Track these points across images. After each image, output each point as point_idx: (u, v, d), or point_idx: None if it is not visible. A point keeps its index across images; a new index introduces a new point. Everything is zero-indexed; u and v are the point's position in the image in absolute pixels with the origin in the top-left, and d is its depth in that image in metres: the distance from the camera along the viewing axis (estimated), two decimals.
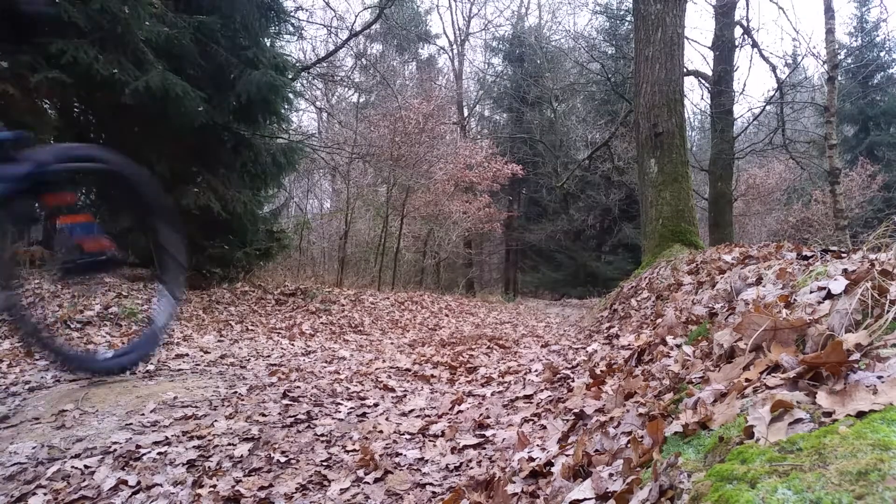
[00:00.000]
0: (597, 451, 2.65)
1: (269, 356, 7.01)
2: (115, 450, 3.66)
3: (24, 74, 9.09)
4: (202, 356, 6.60)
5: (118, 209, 4.35)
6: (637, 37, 13.50)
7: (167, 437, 3.86)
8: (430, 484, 3.22)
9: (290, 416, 4.29)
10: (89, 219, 4.21)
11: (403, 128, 21.80)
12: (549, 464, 2.85)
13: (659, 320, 5.42)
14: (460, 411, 4.40)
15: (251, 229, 13.13)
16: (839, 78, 26.94)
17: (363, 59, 32.17)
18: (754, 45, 23.01)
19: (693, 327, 4.22)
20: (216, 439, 3.82)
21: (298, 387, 5.16)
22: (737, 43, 23.92)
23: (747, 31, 23.03)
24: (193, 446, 3.72)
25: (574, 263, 35.17)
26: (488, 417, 4.15)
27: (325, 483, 3.29)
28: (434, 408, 4.56)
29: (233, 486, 3.22)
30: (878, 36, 40.78)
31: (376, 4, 24.00)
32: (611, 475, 2.25)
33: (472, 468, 3.32)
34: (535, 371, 5.54)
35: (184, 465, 3.49)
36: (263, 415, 4.31)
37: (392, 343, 8.88)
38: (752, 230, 37.28)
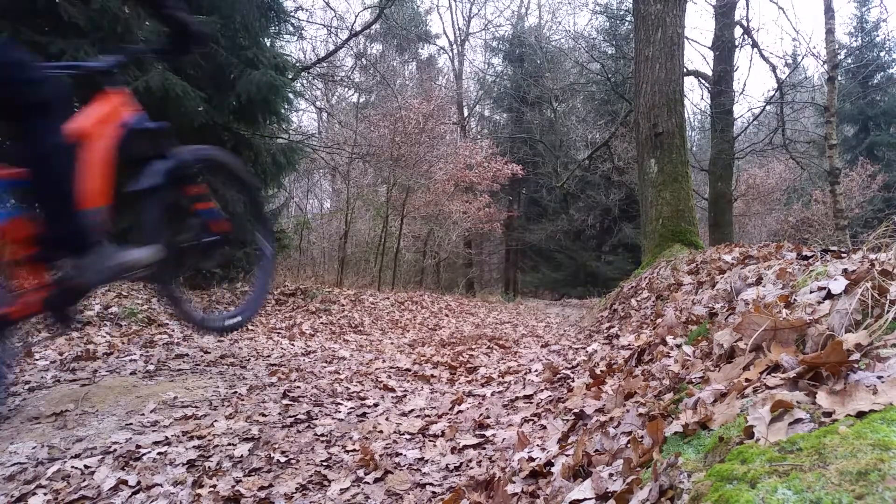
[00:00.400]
0: (597, 451, 2.65)
1: (269, 356, 7.01)
2: (115, 450, 3.66)
3: None
4: (202, 356, 6.60)
5: (228, 191, 5.78)
6: (637, 37, 13.49)
7: (167, 437, 3.86)
8: (430, 484, 3.22)
9: (290, 416, 4.29)
10: (214, 206, 4.90)
11: (403, 128, 21.81)
12: (549, 464, 2.85)
13: (659, 320, 5.42)
14: (460, 411, 4.40)
15: (251, 229, 13.15)
16: (839, 78, 26.92)
17: (363, 59, 32.18)
18: (754, 45, 23.04)
19: (693, 327, 4.22)
20: (216, 439, 3.82)
21: (298, 387, 5.16)
22: (737, 43, 23.91)
23: (747, 31, 23.04)
24: (193, 446, 3.72)
25: (574, 263, 35.18)
26: (488, 417, 4.15)
27: (325, 483, 3.29)
28: (434, 408, 4.56)
29: (233, 486, 3.22)
30: (878, 36, 40.79)
31: (376, 4, 23.99)
32: (611, 475, 2.25)
33: (472, 468, 3.32)
34: (535, 371, 5.54)
35: (184, 465, 3.49)
36: (263, 415, 4.31)
37: (392, 343, 8.88)
38: (752, 230, 37.27)
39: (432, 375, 5.85)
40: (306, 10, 33.49)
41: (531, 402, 4.43)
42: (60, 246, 3.28)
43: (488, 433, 3.80)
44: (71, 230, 3.27)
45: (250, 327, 9.38)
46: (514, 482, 2.79)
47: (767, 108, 25.36)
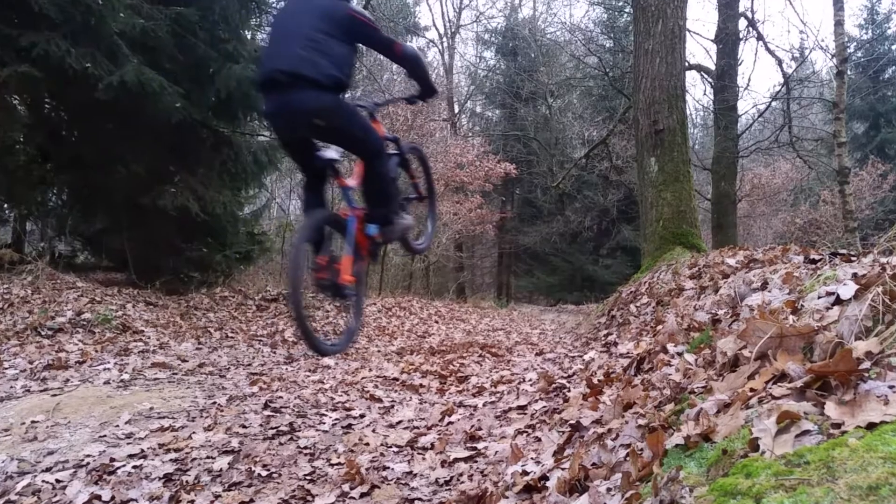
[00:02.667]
0: (594, 464, 2.65)
1: (249, 365, 7.01)
2: (89, 463, 3.65)
3: None
4: (180, 365, 6.61)
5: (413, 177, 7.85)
6: (636, 29, 13.49)
7: (143, 450, 3.85)
8: (419, 499, 3.23)
9: (272, 428, 4.29)
10: (417, 180, 7.49)
11: (391, 125, 21.73)
12: (545, 478, 2.85)
13: (659, 327, 5.43)
14: (451, 423, 4.41)
15: (231, 231, 13.14)
16: (849, 72, 26.81)
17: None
18: (759, 37, 23.00)
19: (695, 334, 4.24)
20: (194, 452, 3.82)
21: (280, 397, 5.17)
22: (741, 36, 23.87)
23: (752, 24, 23.02)
24: (170, 459, 3.72)
25: (570, 267, 35.15)
26: (480, 429, 4.15)
27: (309, 498, 3.29)
28: (423, 419, 4.57)
29: (212, 502, 3.21)
30: (889, 28, 40.63)
31: None
32: (609, 490, 2.26)
33: (463, 482, 3.32)
34: (530, 380, 5.55)
35: (160, 479, 3.48)
36: (244, 426, 4.31)
37: (379, 351, 8.88)
38: (757, 232, 37.25)
39: (421, 385, 5.85)
40: None
41: (525, 413, 4.44)
42: (380, 221, 6.07)
43: (480, 446, 3.81)
44: (386, 212, 6.03)
45: (229, 334, 9.38)
46: (508, 497, 2.79)
47: (773, 104, 25.35)
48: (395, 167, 6.48)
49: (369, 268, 21.11)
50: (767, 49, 22.77)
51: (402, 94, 7.33)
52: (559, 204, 36.00)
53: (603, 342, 7.62)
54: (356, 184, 6.10)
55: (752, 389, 2.26)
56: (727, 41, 23.73)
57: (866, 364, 2.01)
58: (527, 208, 38.45)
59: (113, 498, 3.26)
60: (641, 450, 2.34)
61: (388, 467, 3.58)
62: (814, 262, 4.08)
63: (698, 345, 3.71)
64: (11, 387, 5.29)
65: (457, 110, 39.62)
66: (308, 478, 3.53)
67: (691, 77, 27.70)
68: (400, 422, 4.51)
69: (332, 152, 5.91)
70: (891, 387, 1.79)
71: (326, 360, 7.37)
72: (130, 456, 3.77)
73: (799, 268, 3.92)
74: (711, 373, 2.95)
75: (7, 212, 12.74)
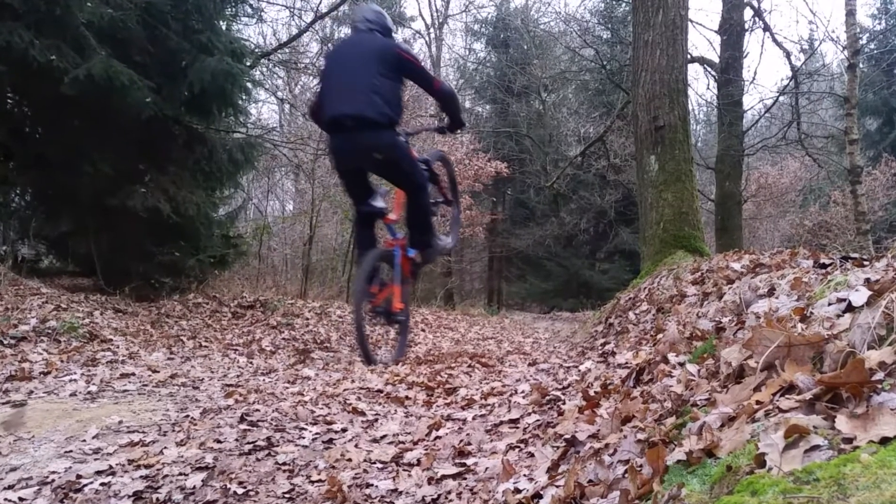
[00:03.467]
0: (590, 481, 2.65)
1: (224, 376, 7.00)
2: (54, 480, 3.64)
3: None
4: (150, 376, 6.59)
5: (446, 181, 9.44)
6: (635, 19, 13.44)
7: (111, 466, 3.84)
8: None
9: (249, 443, 4.27)
10: (444, 188, 8.93)
11: None
12: (538, 496, 2.85)
13: (660, 336, 5.44)
14: (438, 437, 4.40)
15: (205, 234, 13.13)
16: (861, 65, 26.93)
17: (330, 45, 32.06)
18: (766, 28, 22.96)
19: (698, 343, 4.24)
20: (166, 468, 3.81)
21: (258, 410, 5.15)
22: (746, 26, 23.86)
23: (758, 14, 23.00)
24: (140, 476, 3.71)
25: (565, 272, 35.18)
26: (469, 444, 4.14)
27: None
28: (409, 433, 4.56)
29: None
30: None
31: None
32: None
33: (451, 500, 3.32)
34: (522, 392, 5.54)
35: (129, 497, 3.47)
36: (218, 441, 4.29)
37: (362, 361, 8.89)
38: (764, 235, 37.32)
39: (407, 397, 5.84)
40: None
41: (517, 427, 4.43)
42: (420, 246, 7.88)
43: (469, 461, 3.80)
44: (427, 238, 7.77)
45: (203, 343, 9.37)
46: None
47: (781, 99, 25.37)
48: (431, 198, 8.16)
49: (352, 275, 21.13)
50: (775, 40, 22.82)
51: (433, 126, 9.03)
52: (553, 205, 36.05)
53: (600, 352, 7.62)
54: (397, 214, 7.95)
55: (758, 402, 2.25)
56: (732, 32, 23.76)
57: (879, 375, 2.01)
58: (519, 210, 38.54)
59: None
60: (641, 466, 2.34)
61: (372, 484, 3.57)
62: (824, 266, 4.08)
63: (701, 354, 3.71)
64: None
65: None
66: (287, 496, 3.52)
67: (694, 70, 27.70)
68: (384, 436, 4.50)
69: (380, 202, 7.71)
70: None
71: (307, 372, 7.37)
72: (98, 472, 3.76)
73: (808, 273, 3.92)
74: (715, 384, 2.95)
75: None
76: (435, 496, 3.42)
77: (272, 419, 4.87)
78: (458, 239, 10.02)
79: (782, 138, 25.10)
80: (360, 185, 7.69)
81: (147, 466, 3.84)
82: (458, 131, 8.20)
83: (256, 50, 18.70)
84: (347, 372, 7.52)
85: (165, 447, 4.15)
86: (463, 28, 45.15)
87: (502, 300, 36.88)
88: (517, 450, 3.89)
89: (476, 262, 41.49)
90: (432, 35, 41.10)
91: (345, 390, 6.14)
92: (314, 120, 8.34)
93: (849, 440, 1.73)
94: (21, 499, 3.45)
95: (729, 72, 23.91)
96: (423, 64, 7.60)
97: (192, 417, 4.88)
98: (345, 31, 37.26)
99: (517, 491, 2.97)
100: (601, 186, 33.75)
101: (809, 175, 32.50)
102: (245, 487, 3.60)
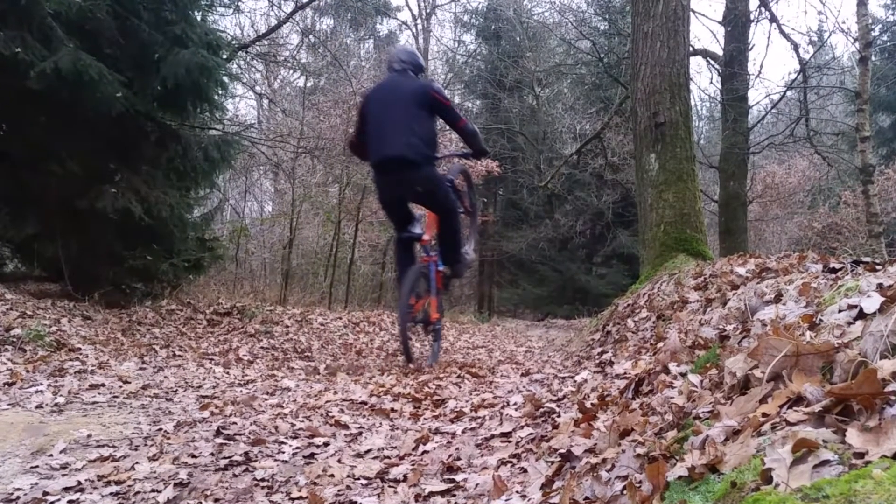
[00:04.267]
0: (587, 498, 2.66)
1: (199, 387, 7.00)
2: (19, 497, 3.64)
3: None
4: (121, 387, 6.59)
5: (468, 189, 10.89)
6: (634, 9, 13.40)
7: (80, 483, 3.84)
8: None
9: (225, 458, 4.28)
10: (465, 201, 10.25)
11: (352, 116, 21.68)
12: None
13: (660, 344, 5.45)
14: (426, 452, 4.40)
15: (179, 237, 13.10)
16: (873, 58, 26.91)
17: (311, 37, 31.96)
18: (773, 19, 22.88)
19: (700, 352, 4.24)
20: (137, 484, 3.81)
21: (235, 423, 5.16)
22: (752, 17, 23.81)
23: (764, 3, 22.90)
24: (111, 493, 3.71)
25: (560, 277, 35.13)
26: (459, 459, 4.15)
27: None
28: (395, 447, 4.56)
29: None
30: None
31: None
32: None
33: None
34: (514, 404, 5.55)
35: None
36: (193, 456, 4.30)
37: (345, 371, 8.89)
38: (770, 238, 37.34)
39: (392, 409, 5.85)
40: None
41: (509, 441, 4.44)
42: (451, 262, 9.28)
43: (459, 477, 3.81)
44: (457, 254, 9.12)
45: (177, 352, 9.37)
46: None
47: (788, 93, 25.40)
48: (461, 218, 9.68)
49: (334, 280, 21.30)
50: (782, 32, 22.76)
51: (458, 152, 10.57)
52: (548, 206, 36.02)
53: (597, 361, 7.63)
54: (430, 234, 9.32)
55: (764, 414, 2.25)
56: (736, 23, 23.67)
57: (893, 386, 1.99)
58: (511, 211, 38.45)
59: None
60: (640, 482, 2.35)
61: (356, 502, 3.58)
62: (834, 271, 4.08)
63: (704, 364, 3.71)
64: None
65: None
66: None
67: (696, 63, 27.80)
68: (369, 450, 4.50)
69: (418, 228, 9.21)
70: None
71: (287, 383, 7.36)
72: (66, 489, 3.76)
73: (817, 278, 3.93)
74: (719, 396, 2.95)
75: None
76: None
77: (250, 432, 4.88)
78: (476, 248, 10.91)
79: (790, 135, 25.09)
80: (402, 214, 9.16)
81: (118, 483, 3.84)
82: (481, 159, 10.21)
83: (233, 42, 18.64)
84: (330, 383, 7.53)
85: (137, 462, 4.15)
86: (452, 19, 45.06)
87: (493, 307, 36.82)
88: (509, 465, 3.90)
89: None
90: (419, 26, 41.14)
91: (327, 402, 6.15)
92: (353, 153, 10.20)
93: (860, 455, 1.72)
94: None
95: (733, 65, 23.86)
96: (451, 102, 9.09)
97: (165, 431, 4.88)
98: (326, 21, 37.31)
99: None
100: (598, 186, 33.66)
101: (819, 174, 32.50)
102: None
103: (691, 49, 17.64)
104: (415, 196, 8.99)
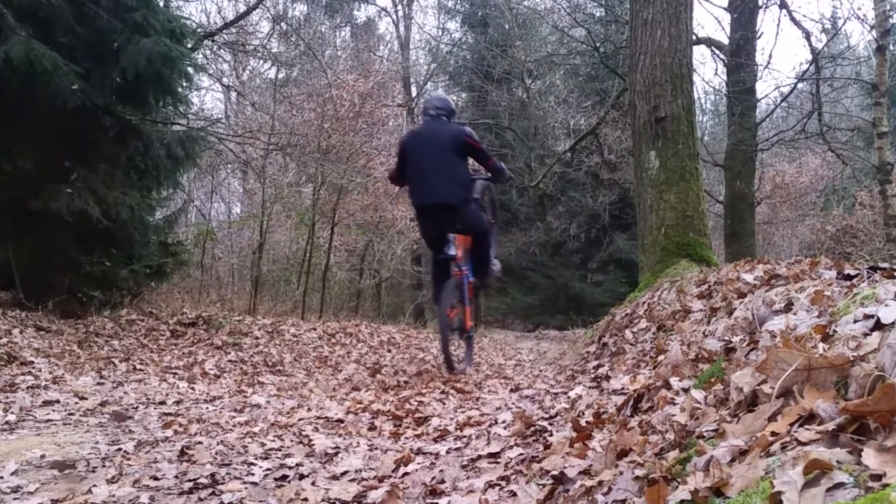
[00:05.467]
0: None
1: (162, 403, 7.00)
2: None
3: None
4: (77, 403, 6.58)
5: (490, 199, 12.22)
6: None
7: None
8: None
9: (190, 480, 4.28)
10: (487, 214, 11.35)
11: (334, 111, 21.66)
12: None
13: (661, 357, 5.46)
14: (407, 473, 4.41)
15: (140, 241, 13.08)
16: (891, 47, 26.91)
17: (283, 24, 31.82)
18: (783, 5, 22.77)
19: (704, 366, 4.25)
20: None
21: (200, 442, 5.16)
22: (760, 3, 23.71)
23: None
24: None
25: (552, 285, 35.05)
26: (443, 481, 4.15)
27: None
28: (373, 469, 4.57)
29: None
30: None
31: None
32: None
33: None
34: (503, 422, 5.55)
35: None
36: (155, 478, 4.30)
37: (320, 386, 8.88)
38: (780, 242, 37.35)
39: (371, 428, 5.86)
40: None
41: (497, 462, 4.44)
42: (481, 275, 10.89)
43: (442, 501, 3.81)
44: (486, 267, 10.84)
45: (137, 366, 9.36)
46: None
47: (799, 85, 25.39)
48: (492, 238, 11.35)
49: (308, 287, 21.40)
50: (792, 19, 22.72)
51: (483, 175, 11.16)
52: (539, 208, 35.90)
53: (592, 376, 7.64)
54: (461, 251, 10.51)
55: (773, 433, 2.25)
56: (744, 9, 23.54)
57: None
58: (499, 213, 38.26)
59: None
60: None
61: None
62: (849, 278, 4.09)
63: (708, 379, 3.71)
64: None
65: (414, 93, 39.27)
66: None
67: (700, 53, 27.83)
68: (345, 472, 4.50)
69: (454, 250, 10.28)
70: None
71: (257, 399, 7.36)
72: None
73: (831, 285, 3.93)
74: (724, 413, 2.94)
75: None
76: None
77: (217, 453, 4.88)
78: (495, 252, 12.05)
79: (801, 131, 24.88)
80: (440, 242, 10.40)
81: None
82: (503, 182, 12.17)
83: (199, 30, 18.64)
84: (303, 399, 7.53)
85: (94, 485, 4.15)
86: (435, 4, 44.71)
87: (480, 317, 36.59)
88: (497, 488, 3.90)
89: None
90: (400, 13, 40.80)
91: (300, 420, 6.15)
92: (393, 184, 12.22)
93: (877, 477, 1.71)
94: None
95: (740, 55, 23.72)
96: (481, 145, 10.80)
97: (125, 451, 4.88)
98: (300, 7, 37.21)
99: None
100: (594, 186, 33.63)
101: (832, 173, 32.52)
102: None
103: (694, 37, 17.65)
104: (454, 230, 10.35)
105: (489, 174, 11.03)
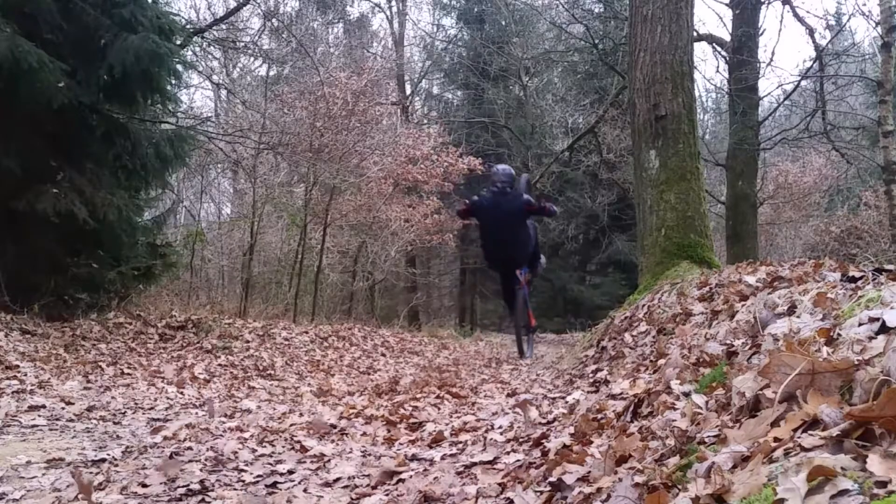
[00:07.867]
0: None
1: (151, 408, 6.99)
2: None
3: None
4: (63, 408, 6.57)
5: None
6: None
7: None
8: None
9: (180, 487, 4.27)
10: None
11: (327, 110, 21.57)
12: None
13: (661, 361, 5.46)
14: (401, 480, 4.40)
15: (127, 242, 13.06)
16: None
17: (274, 20, 31.74)
18: (785, 1, 22.79)
19: (705, 370, 4.25)
20: None
21: (189, 448, 5.15)
22: None
23: None
24: None
25: (550, 287, 35.04)
26: (437, 488, 4.15)
27: None
28: (366, 476, 4.56)
29: None
30: None
31: None
32: None
33: None
34: (499, 428, 5.55)
35: None
36: (144, 485, 4.29)
37: (312, 391, 8.88)
38: (783, 243, 37.32)
39: (364, 433, 5.85)
40: None
41: (494, 469, 4.44)
42: (533, 269, 14.78)
43: None
44: (536, 264, 14.97)
45: (125, 370, 9.35)
46: None
47: (803, 83, 25.39)
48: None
49: (300, 290, 21.59)
50: (796, 15, 22.81)
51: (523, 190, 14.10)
52: None
53: (591, 380, 7.64)
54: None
55: (776, 439, 2.24)
56: (746, 5, 23.57)
57: None
58: None
59: None
60: None
61: None
62: (854, 280, 4.08)
63: (709, 383, 3.71)
64: None
65: (409, 91, 39.26)
66: None
67: (701, 50, 27.78)
68: (338, 479, 4.50)
69: (518, 278, 13.41)
70: None
71: (247, 404, 7.35)
72: None
73: (835, 288, 3.93)
74: (726, 418, 2.94)
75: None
76: None
77: (207, 459, 4.87)
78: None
79: (805, 130, 24.94)
80: (510, 274, 13.85)
81: None
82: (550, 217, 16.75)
83: (188, 26, 18.63)
84: (295, 404, 7.53)
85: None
86: (430, 0, 44.95)
87: (476, 320, 36.64)
88: (493, 495, 3.90)
89: (445, 276, 41.16)
90: (394, 9, 40.72)
91: (292, 425, 6.15)
92: (460, 218, 17.20)
93: (882, 484, 1.70)
94: None
95: (742, 52, 23.73)
96: (536, 204, 13.63)
97: (112, 457, 4.87)
98: (291, 3, 37.12)
99: None
100: (592, 186, 33.64)
101: (836, 173, 32.49)
102: None
103: (695, 34, 17.66)
104: (520, 267, 13.72)
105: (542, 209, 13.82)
